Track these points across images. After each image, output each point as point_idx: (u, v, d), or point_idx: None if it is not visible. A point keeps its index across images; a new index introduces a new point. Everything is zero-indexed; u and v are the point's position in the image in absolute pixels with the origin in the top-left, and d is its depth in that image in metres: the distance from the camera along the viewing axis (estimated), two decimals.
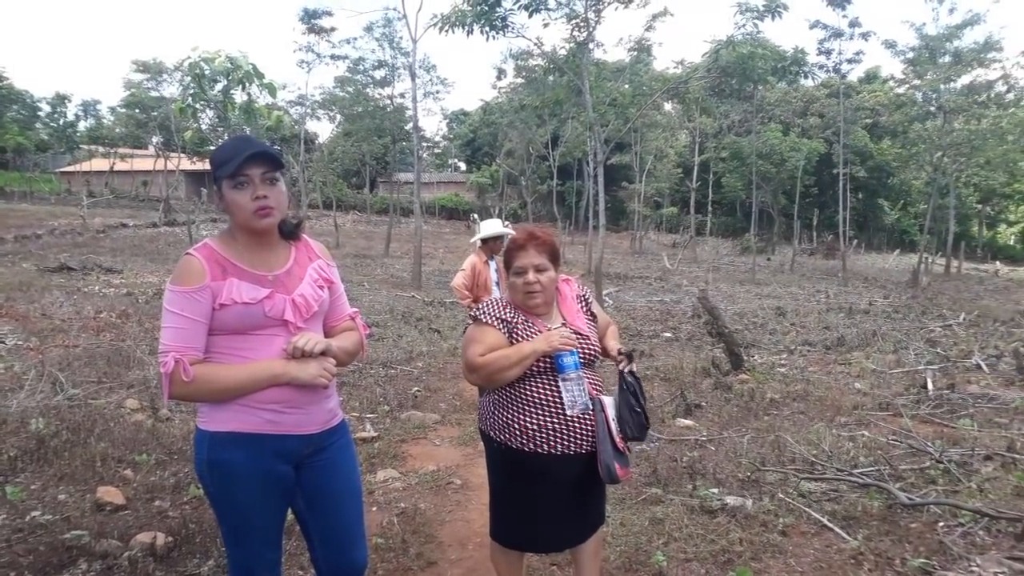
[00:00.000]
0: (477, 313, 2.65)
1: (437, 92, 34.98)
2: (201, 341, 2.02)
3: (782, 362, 8.89)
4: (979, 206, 44.09)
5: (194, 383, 1.96)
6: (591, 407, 2.55)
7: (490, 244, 5.78)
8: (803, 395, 7.03)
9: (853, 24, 23.12)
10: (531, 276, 2.55)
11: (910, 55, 24.42)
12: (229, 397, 2.03)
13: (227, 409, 2.05)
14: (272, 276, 2.11)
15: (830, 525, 3.88)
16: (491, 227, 5.81)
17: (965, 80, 24.01)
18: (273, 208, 2.07)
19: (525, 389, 2.55)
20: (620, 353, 2.64)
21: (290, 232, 2.22)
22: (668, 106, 33.09)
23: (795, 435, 5.53)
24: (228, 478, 2.08)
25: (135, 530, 3.57)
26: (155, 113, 43.30)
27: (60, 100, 54.04)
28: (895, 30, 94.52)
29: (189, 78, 10.40)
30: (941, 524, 3.85)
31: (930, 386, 7.32)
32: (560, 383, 2.52)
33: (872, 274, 25.70)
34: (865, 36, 23.47)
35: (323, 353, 2.10)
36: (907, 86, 28.10)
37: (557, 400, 2.53)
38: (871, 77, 45.33)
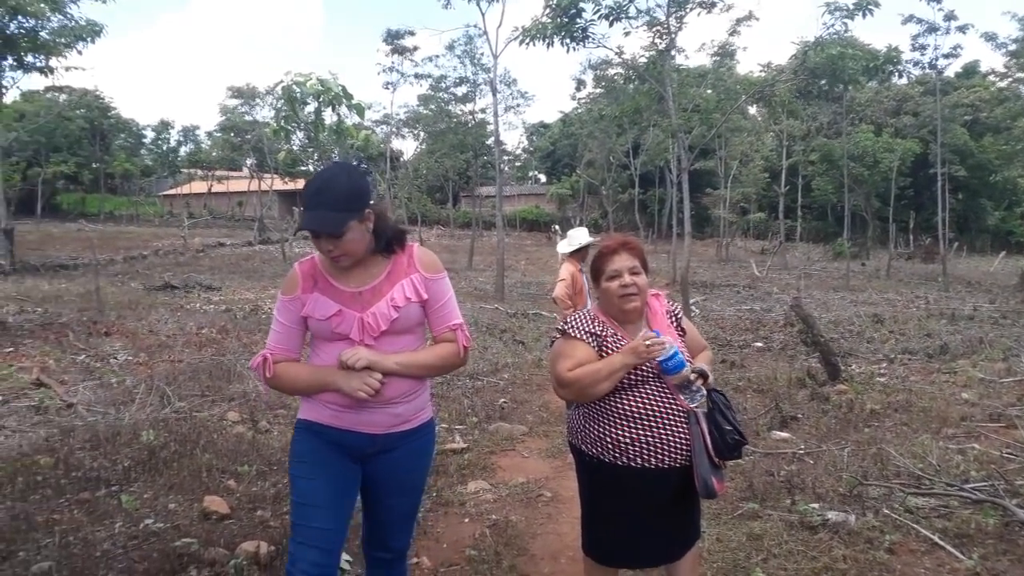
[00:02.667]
0: (566, 327, 2.64)
1: (518, 105, 35.35)
2: (294, 342, 2.35)
3: (881, 371, 8.52)
4: None
5: (275, 379, 2.30)
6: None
7: (581, 252, 5.85)
8: (905, 406, 6.71)
9: (949, 17, 22.11)
10: (627, 278, 2.55)
11: (1012, 47, 23.14)
12: (303, 393, 2.36)
13: (307, 401, 2.36)
14: (356, 291, 2.29)
15: (941, 543, 3.69)
16: (582, 235, 5.93)
17: None
18: (342, 256, 2.23)
19: (618, 401, 2.52)
20: (694, 371, 2.55)
21: (384, 248, 2.34)
22: (752, 110, 32.36)
23: (898, 448, 5.29)
24: (298, 459, 2.35)
25: (239, 539, 3.71)
26: (249, 136, 45.30)
27: (164, 127, 57.13)
28: (995, 22, 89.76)
29: (282, 101, 10.84)
30: None
31: None
32: (680, 393, 2.50)
33: (976, 278, 24.36)
34: (963, 29, 22.38)
35: (368, 368, 2.21)
36: (1009, 80, 26.59)
37: (651, 412, 2.49)
38: (969, 72, 43.13)
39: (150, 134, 58.22)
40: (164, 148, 58.78)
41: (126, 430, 5.47)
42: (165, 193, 63.71)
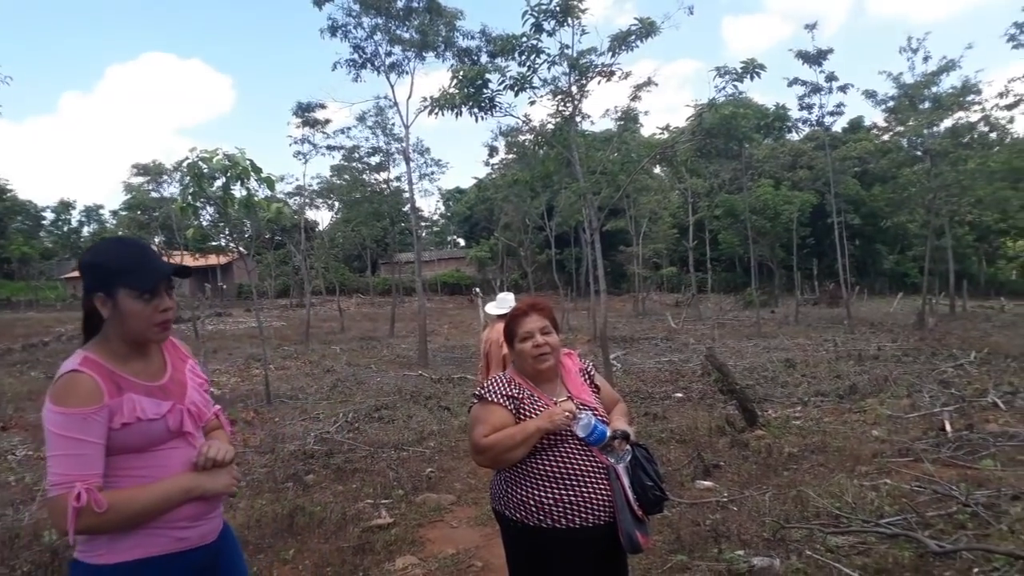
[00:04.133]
0: (482, 392, 2.65)
1: (432, 173, 35.63)
2: (101, 466, 1.83)
3: (796, 415, 8.81)
4: (976, 244, 44.32)
5: (107, 513, 1.77)
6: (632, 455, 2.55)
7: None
8: (821, 447, 6.95)
9: (830, 78, 23.65)
10: (540, 338, 2.61)
11: (890, 104, 24.93)
12: (142, 522, 1.87)
13: (129, 536, 1.87)
14: (162, 384, 2.02)
15: None
16: (511, 299, 6.07)
17: (947, 123, 24.45)
18: (172, 320, 2.02)
19: (538, 462, 2.53)
20: (615, 436, 2.56)
21: None
22: (657, 169, 33.65)
23: (817, 488, 5.45)
24: None
25: None
26: (156, 213, 44.14)
27: (64, 207, 55.25)
28: (872, 80, 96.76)
29: (188, 177, 10.67)
30: (976, 570, 3.77)
31: (948, 428, 7.24)
32: (604, 454, 2.52)
33: (877, 319, 25.63)
34: (843, 89, 23.97)
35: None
36: (891, 133, 28.54)
37: (571, 471, 2.51)
38: (855, 127, 46.18)
39: (50, 215, 56.16)
40: (65, 229, 56.67)
41: (26, 531, 5.12)
42: (68, 276, 61.09)
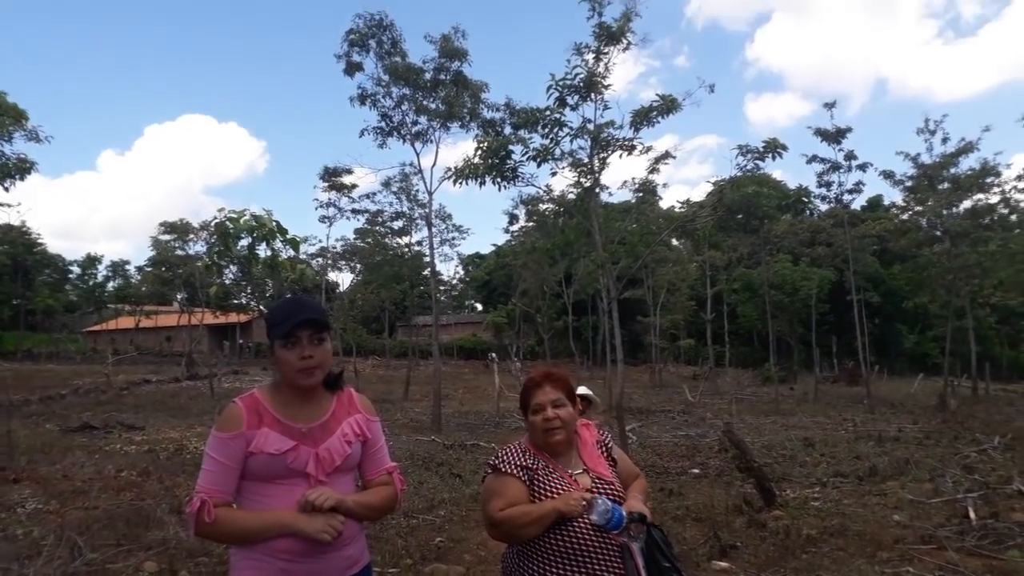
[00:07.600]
0: (497, 462, 2.64)
1: (453, 239, 36.12)
2: (231, 484, 2.16)
3: (815, 495, 8.62)
4: (998, 326, 43.79)
5: (215, 524, 2.08)
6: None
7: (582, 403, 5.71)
8: (840, 530, 6.77)
9: (849, 157, 23.87)
10: (550, 412, 2.57)
11: (909, 184, 25.08)
12: (244, 541, 2.13)
13: (248, 558, 2.13)
14: (306, 428, 2.22)
15: None
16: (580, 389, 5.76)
17: (967, 204, 24.50)
18: (316, 368, 2.22)
19: (552, 538, 2.49)
20: (632, 519, 2.50)
21: (331, 383, 2.35)
22: (675, 241, 33.87)
23: (836, 574, 5.30)
24: None
25: None
26: (180, 271, 44.76)
27: (91, 262, 56.13)
28: (890, 160, 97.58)
29: (215, 237, 10.89)
30: None
31: (972, 515, 7.04)
32: (625, 539, 2.47)
33: (897, 399, 25.20)
34: (863, 168, 24.17)
35: (334, 509, 2.15)
36: (909, 213, 28.61)
37: (585, 549, 2.47)
38: (874, 205, 46.41)
39: (77, 269, 57.13)
40: (91, 283, 57.56)
41: None
42: (89, 329, 61.84)
